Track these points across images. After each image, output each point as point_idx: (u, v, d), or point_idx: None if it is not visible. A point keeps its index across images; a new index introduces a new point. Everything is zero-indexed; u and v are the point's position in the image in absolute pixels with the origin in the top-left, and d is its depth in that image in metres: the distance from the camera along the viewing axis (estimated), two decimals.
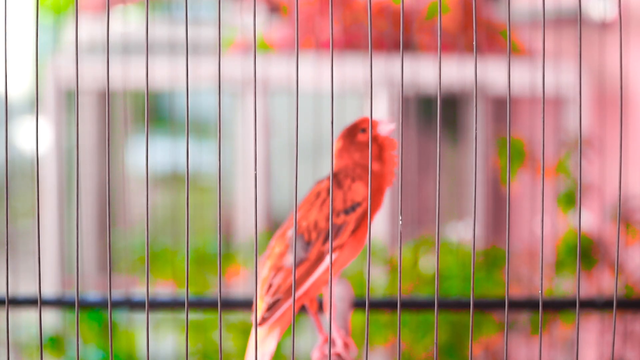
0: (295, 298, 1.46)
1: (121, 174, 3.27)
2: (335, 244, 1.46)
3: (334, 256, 1.46)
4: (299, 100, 1.21)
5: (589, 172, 2.92)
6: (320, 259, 1.47)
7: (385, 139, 1.49)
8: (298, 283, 1.46)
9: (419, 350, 2.82)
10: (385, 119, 1.49)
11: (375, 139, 1.49)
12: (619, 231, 1.21)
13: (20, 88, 5.66)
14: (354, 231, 1.48)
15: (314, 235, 1.47)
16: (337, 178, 1.50)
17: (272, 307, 1.45)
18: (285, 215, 3.77)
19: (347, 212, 1.48)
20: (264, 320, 1.45)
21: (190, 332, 2.94)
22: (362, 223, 1.48)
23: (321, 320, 1.54)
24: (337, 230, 1.47)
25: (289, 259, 1.48)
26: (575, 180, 2.81)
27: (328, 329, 1.55)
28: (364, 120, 1.50)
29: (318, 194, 1.50)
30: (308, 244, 1.47)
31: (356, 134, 1.50)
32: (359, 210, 1.48)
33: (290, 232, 1.49)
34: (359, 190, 1.48)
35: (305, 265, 1.47)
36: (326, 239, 1.47)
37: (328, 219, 1.47)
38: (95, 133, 3.84)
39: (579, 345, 1.28)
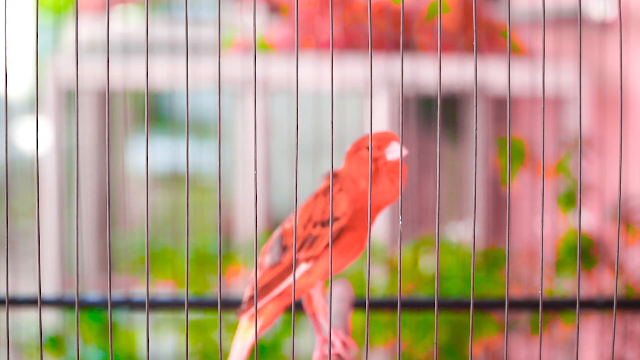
0: (269, 299, 1.47)
1: (121, 174, 3.26)
2: (309, 254, 1.45)
3: (308, 266, 1.46)
4: (299, 100, 1.21)
5: (589, 172, 2.92)
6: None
7: (385, 163, 1.43)
8: (271, 286, 1.46)
9: (419, 350, 2.82)
10: (397, 144, 1.43)
11: (376, 159, 1.44)
12: (619, 231, 1.21)
13: (20, 88, 5.66)
14: (334, 242, 1.45)
15: (291, 240, 1.47)
16: (328, 183, 1.47)
17: (249, 302, 1.48)
18: (285, 215, 3.77)
19: (323, 224, 1.45)
20: (242, 311, 1.48)
21: (190, 332, 2.94)
22: (340, 237, 1.44)
23: (319, 321, 1.54)
24: (312, 240, 1.45)
25: (267, 259, 1.48)
26: (575, 180, 2.81)
27: (326, 330, 1.55)
28: (375, 138, 1.43)
29: (316, 197, 1.49)
30: (284, 248, 1.47)
31: (361, 148, 1.45)
32: (336, 225, 1.44)
33: (276, 233, 1.50)
34: (340, 204, 1.45)
35: (278, 270, 1.47)
36: (301, 246, 1.46)
37: (305, 227, 1.46)
38: (95, 133, 3.84)
39: (579, 345, 1.28)
